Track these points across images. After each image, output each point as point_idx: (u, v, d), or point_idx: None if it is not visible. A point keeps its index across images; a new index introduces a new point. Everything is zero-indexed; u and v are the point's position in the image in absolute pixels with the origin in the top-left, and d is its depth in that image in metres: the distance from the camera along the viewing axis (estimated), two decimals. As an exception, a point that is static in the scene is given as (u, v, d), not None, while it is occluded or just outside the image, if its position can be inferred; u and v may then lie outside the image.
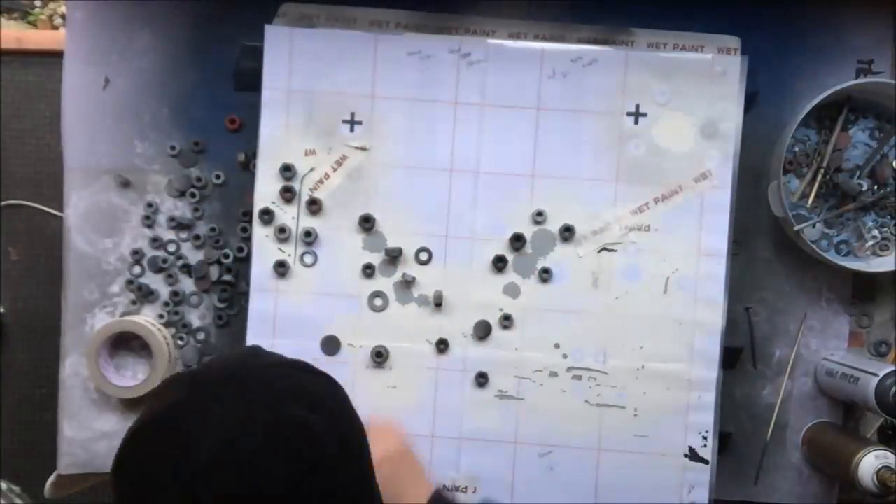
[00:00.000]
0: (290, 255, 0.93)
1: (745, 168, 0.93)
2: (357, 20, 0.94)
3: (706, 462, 0.92)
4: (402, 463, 0.83)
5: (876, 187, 0.93)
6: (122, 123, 0.96)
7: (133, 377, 0.96)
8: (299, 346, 0.93)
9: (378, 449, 0.77)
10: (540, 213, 0.93)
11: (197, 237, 0.97)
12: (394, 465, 0.81)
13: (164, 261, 0.97)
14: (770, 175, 0.93)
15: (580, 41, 0.94)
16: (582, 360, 0.93)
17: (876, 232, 0.95)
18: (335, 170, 0.93)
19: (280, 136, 0.93)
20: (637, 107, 0.92)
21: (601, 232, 0.93)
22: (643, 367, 0.93)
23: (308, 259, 0.94)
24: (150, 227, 0.96)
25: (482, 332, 0.93)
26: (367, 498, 0.58)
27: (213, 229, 0.96)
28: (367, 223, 0.93)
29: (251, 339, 0.93)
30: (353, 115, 0.93)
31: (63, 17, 1.61)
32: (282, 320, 0.93)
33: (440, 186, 0.93)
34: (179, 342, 0.97)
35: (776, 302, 0.97)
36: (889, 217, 0.95)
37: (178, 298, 0.97)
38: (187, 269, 0.97)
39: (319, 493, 0.52)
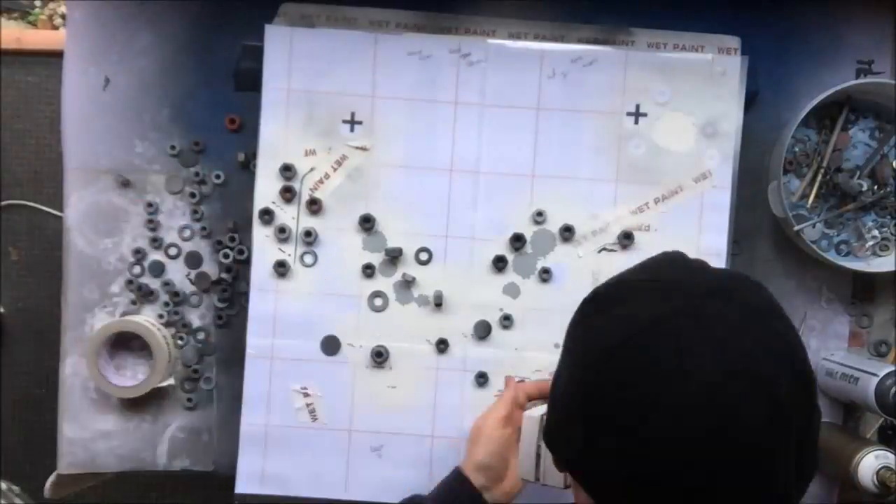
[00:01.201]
0: (290, 255, 0.93)
1: (745, 168, 0.93)
2: (357, 20, 0.94)
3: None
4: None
5: (876, 187, 0.93)
6: (122, 123, 0.96)
7: (133, 377, 0.96)
8: (299, 346, 0.93)
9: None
10: (540, 213, 0.93)
11: (197, 237, 0.97)
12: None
13: (164, 263, 0.97)
14: (770, 175, 0.93)
15: (580, 41, 0.94)
16: (582, 360, 0.93)
17: (876, 232, 0.95)
18: (335, 170, 0.93)
19: (280, 136, 0.93)
20: (637, 107, 0.92)
21: (601, 232, 0.93)
22: (643, 367, 0.93)
23: (308, 259, 0.94)
24: (150, 227, 0.96)
25: (482, 332, 0.93)
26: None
27: (212, 229, 0.97)
28: (367, 223, 0.93)
29: (251, 339, 0.93)
30: (353, 114, 0.93)
31: (63, 17, 1.61)
32: (282, 320, 0.93)
33: (440, 186, 0.93)
34: (179, 342, 0.97)
35: (776, 302, 0.97)
36: (889, 217, 0.95)
37: (178, 298, 0.97)
38: (187, 268, 0.97)
39: (789, 419, 0.51)
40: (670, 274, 0.57)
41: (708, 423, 0.48)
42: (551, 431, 0.59)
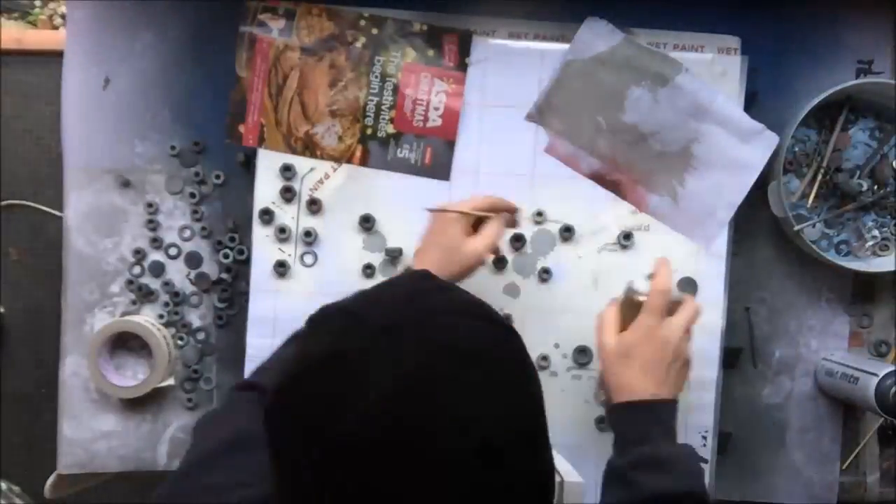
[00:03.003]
0: (290, 255, 0.93)
1: (745, 168, 0.93)
2: (357, 20, 0.94)
3: (706, 462, 0.92)
4: (681, 362, 0.77)
5: (876, 187, 0.93)
6: (122, 123, 0.96)
7: (133, 377, 0.96)
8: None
9: (678, 332, 0.76)
10: (540, 214, 0.93)
11: (197, 237, 0.97)
12: (676, 355, 0.76)
13: (164, 263, 0.97)
14: (770, 175, 0.93)
15: (580, 41, 0.94)
16: (582, 360, 0.93)
17: (876, 232, 0.95)
18: (335, 170, 0.93)
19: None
20: (637, 107, 0.92)
21: (601, 232, 0.93)
22: (643, 367, 0.93)
23: (308, 259, 0.94)
24: (150, 227, 0.96)
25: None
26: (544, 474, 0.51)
27: (212, 229, 0.97)
28: (367, 223, 0.93)
29: (251, 340, 0.93)
30: (353, 115, 0.93)
31: (63, 17, 1.61)
32: (282, 320, 0.93)
33: (440, 186, 0.93)
34: (179, 342, 0.97)
35: (776, 302, 0.97)
36: (889, 217, 0.95)
37: (178, 298, 0.97)
38: (187, 268, 0.97)
39: (497, 475, 0.45)
40: (363, 304, 0.52)
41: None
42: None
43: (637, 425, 0.74)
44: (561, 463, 0.75)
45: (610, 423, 0.78)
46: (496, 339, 0.52)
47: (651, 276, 0.80)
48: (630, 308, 0.79)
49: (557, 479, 0.72)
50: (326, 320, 0.51)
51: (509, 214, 0.83)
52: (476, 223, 0.80)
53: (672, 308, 0.78)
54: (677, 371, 0.77)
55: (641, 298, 0.79)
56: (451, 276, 0.77)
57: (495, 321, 0.53)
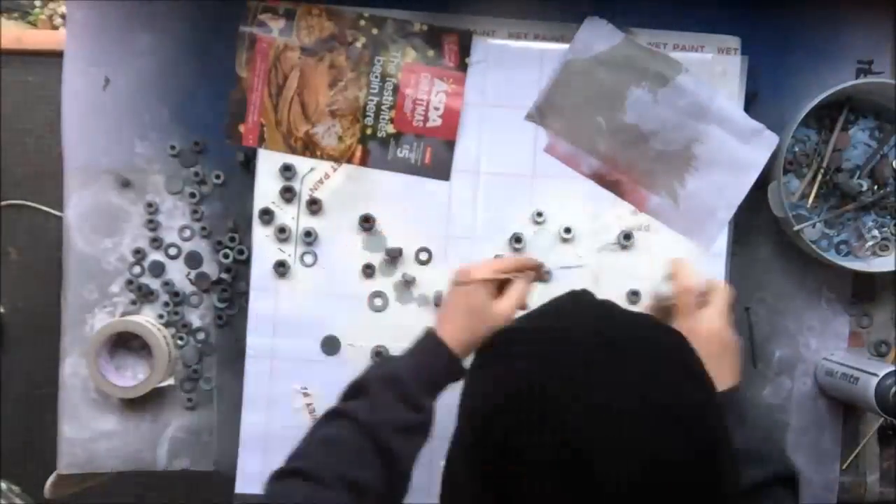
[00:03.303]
0: (290, 255, 0.93)
1: (745, 168, 0.93)
2: (357, 20, 0.94)
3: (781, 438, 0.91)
4: (729, 348, 0.75)
5: (876, 187, 0.93)
6: (122, 123, 0.96)
7: (133, 377, 0.96)
8: (299, 346, 0.93)
9: (717, 321, 0.75)
10: (540, 214, 0.93)
11: (197, 237, 0.97)
12: (722, 345, 0.75)
13: (164, 263, 0.97)
14: (770, 175, 0.93)
15: (580, 41, 0.94)
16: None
17: (876, 232, 0.95)
18: (335, 170, 0.93)
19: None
20: (637, 107, 0.92)
21: (601, 232, 0.93)
22: (643, 367, 0.92)
23: (308, 259, 0.94)
24: (150, 227, 0.96)
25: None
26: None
27: (212, 229, 0.97)
28: (367, 223, 0.93)
29: (251, 340, 0.93)
30: (353, 115, 0.93)
31: (63, 17, 1.61)
32: (282, 320, 0.93)
33: (440, 186, 0.93)
34: (179, 342, 0.97)
35: (776, 302, 0.97)
36: (889, 217, 0.95)
37: (178, 298, 0.97)
38: (187, 268, 0.97)
39: (718, 476, 0.47)
40: (562, 322, 0.54)
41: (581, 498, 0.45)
42: (446, 482, 0.57)
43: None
44: None
45: None
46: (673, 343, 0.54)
47: (670, 277, 0.79)
48: (664, 316, 0.79)
49: None
50: (518, 342, 0.53)
51: (533, 272, 0.82)
52: (501, 283, 0.79)
53: (702, 299, 0.77)
54: (731, 358, 0.76)
55: (671, 302, 0.78)
56: (477, 338, 0.75)
57: (662, 326, 0.56)
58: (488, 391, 0.51)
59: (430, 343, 0.75)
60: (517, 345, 0.53)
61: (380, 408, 0.69)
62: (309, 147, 0.93)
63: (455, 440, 0.55)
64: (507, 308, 0.77)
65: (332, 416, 0.70)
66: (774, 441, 0.72)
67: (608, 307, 0.58)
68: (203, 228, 0.97)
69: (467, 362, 0.63)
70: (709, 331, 0.75)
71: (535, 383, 0.48)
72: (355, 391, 0.71)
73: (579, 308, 0.58)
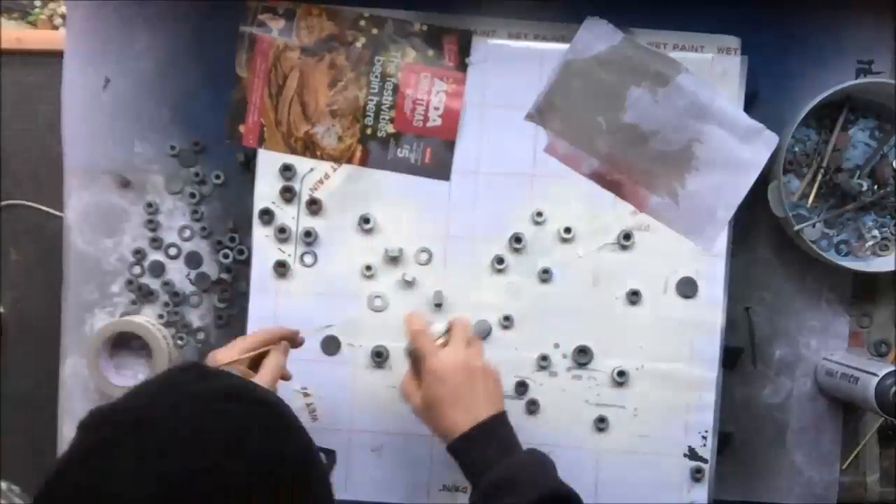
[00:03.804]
0: (290, 255, 0.93)
1: (745, 168, 0.93)
2: (357, 20, 0.94)
3: (706, 462, 0.92)
4: (481, 375, 0.77)
5: (876, 187, 0.93)
6: (122, 123, 0.96)
7: (133, 377, 0.96)
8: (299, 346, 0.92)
9: (460, 352, 0.76)
10: (540, 214, 0.93)
11: (197, 237, 0.97)
12: (473, 373, 0.76)
13: (164, 263, 0.97)
14: (770, 175, 0.93)
15: (580, 41, 0.94)
16: (582, 360, 0.93)
17: (876, 232, 0.95)
18: (335, 170, 0.93)
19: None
20: (637, 107, 0.92)
21: (601, 232, 0.93)
22: (643, 366, 0.93)
23: (308, 259, 0.94)
24: (150, 227, 0.96)
25: (482, 332, 0.93)
26: None
27: (212, 229, 0.97)
28: (367, 223, 0.93)
29: (251, 339, 0.93)
30: (353, 115, 0.93)
31: (63, 17, 1.61)
32: (282, 320, 0.93)
33: (440, 186, 0.93)
34: (179, 342, 0.97)
35: (776, 302, 0.97)
36: (889, 217, 0.95)
37: (178, 298, 0.97)
38: (187, 268, 0.97)
39: None
40: (123, 399, 0.53)
41: None
42: None
43: (474, 454, 0.73)
44: None
45: (457, 463, 0.75)
46: (248, 423, 0.52)
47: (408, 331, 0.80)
48: (417, 361, 0.79)
49: None
50: (90, 419, 0.52)
51: (287, 342, 0.81)
52: (258, 359, 0.78)
53: (445, 339, 0.79)
54: (486, 387, 0.76)
55: (418, 352, 0.79)
56: None
57: (254, 401, 0.54)
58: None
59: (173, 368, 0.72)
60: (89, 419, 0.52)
61: None
62: (309, 147, 0.93)
63: None
64: (265, 384, 0.74)
65: None
66: (543, 465, 0.73)
67: (183, 382, 0.55)
68: (203, 228, 0.97)
69: None
70: (453, 364, 0.75)
71: (73, 460, 0.48)
72: None
73: (154, 384, 0.56)
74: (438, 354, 0.77)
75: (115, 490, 0.46)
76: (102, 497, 0.46)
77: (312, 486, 0.54)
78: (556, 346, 0.93)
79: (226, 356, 0.75)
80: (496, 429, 0.74)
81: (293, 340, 0.83)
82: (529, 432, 0.92)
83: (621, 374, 0.92)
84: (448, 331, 0.81)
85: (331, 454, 0.90)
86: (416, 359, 0.80)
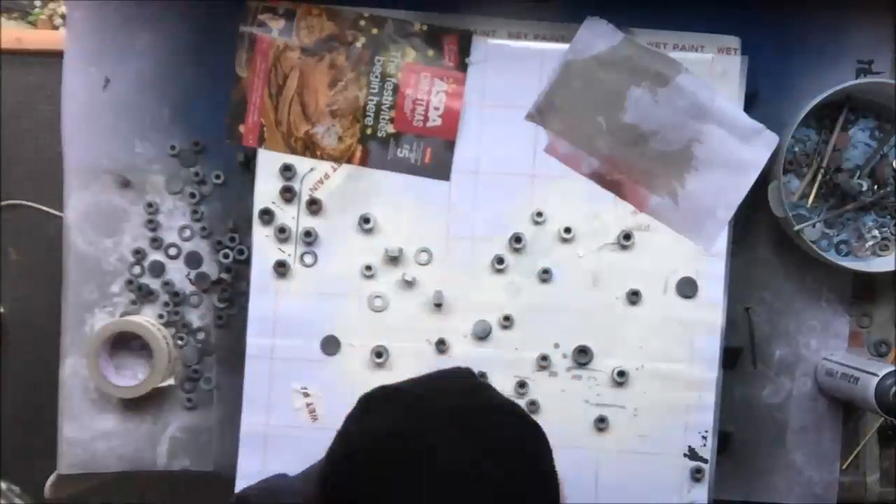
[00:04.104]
0: (290, 255, 0.93)
1: (745, 168, 0.93)
2: (357, 20, 0.94)
3: (706, 462, 0.92)
4: None
5: (876, 187, 0.93)
6: (122, 123, 0.96)
7: (133, 377, 0.96)
8: (299, 346, 0.93)
9: None
10: (540, 214, 0.93)
11: (197, 237, 0.97)
12: None
13: (164, 263, 0.97)
14: (770, 175, 0.93)
15: (580, 41, 0.94)
16: (582, 360, 0.93)
17: (876, 232, 0.95)
18: (335, 170, 0.93)
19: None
20: (637, 107, 0.92)
21: (601, 232, 0.93)
22: (643, 366, 0.93)
23: (308, 259, 0.94)
24: (150, 227, 0.96)
25: (482, 332, 0.93)
26: None
27: (212, 229, 0.97)
28: (367, 223, 0.93)
29: (251, 340, 0.93)
30: (353, 115, 0.93)
31: (63, 17, 1.61)
32: (282, 320, 0.93)
33: (440, 186, 0.93)
34: (179, 342, 0.97)
35: (776, 302, 0.97)
36: (889, 217, 0.95)
37: (178, 298, 0.97)
38: (187, 268, 0.97)
39: None
40: (425, 392, 0.57)
41: None
42: None
43: None
44: None
45: None
46: (528, 435, 0.57)
47: None
48: None
49: None
50: (386, 399, 0.57)
51: None
52: None
53: None
54: None
55: None
56: None
57: (525, 417, 0.58)
58: (349, 438, 0.55)
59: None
60: (380, 402, 0.57)
61: None
62: (309, 147, 0.93)
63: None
64: None
65: None
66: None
67: (480, 387, 0.60)
68: (203, 228, 0.97)
69: None
70: None
71: (377, 441, 0.52)
72: None
73: (449, 382, 0.60)
74: None
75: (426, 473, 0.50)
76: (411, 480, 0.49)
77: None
78: (556, 346, 0.93)
79: None
80: None
81: None
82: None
83: (621, 374, 0.92)
84: None
85: None
86: None
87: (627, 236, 0.92)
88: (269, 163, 0.93)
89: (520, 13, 0.93)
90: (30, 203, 1.60)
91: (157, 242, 0.97)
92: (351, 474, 0.52)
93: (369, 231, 0.93)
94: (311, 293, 0.93)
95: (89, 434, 0.97)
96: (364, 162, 0.93)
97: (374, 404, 0.57)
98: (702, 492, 0.92)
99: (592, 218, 0.93)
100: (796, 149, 0.95)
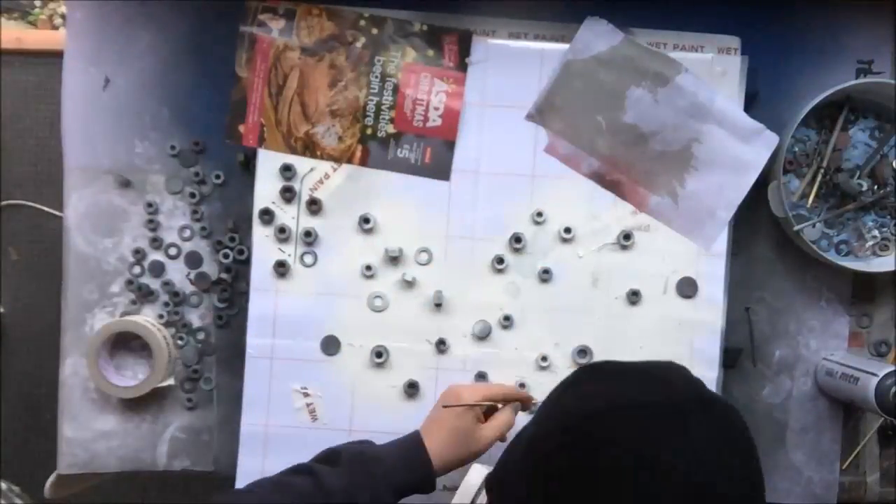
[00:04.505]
0: (290, 255, 0.93)
1: (745, 168, 0.93)
2: (357, 20, 0.94)
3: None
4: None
5: (876, 187, 0.93)
6: (122, 123, 0.96)
7: (133, 377, 0.96)
8: (299, 346, 0.93)
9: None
10: (540, 214, 0.93)
11: (197, 237, 0.97)
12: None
13: (164, 263, 0.97)
14: (770, 175, 0.93)
15: (580, 41, 0.94)
16: (582, 360, 0.93)
17: (876, 232, 0.95)
18: (335, 170, 0.93)
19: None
20: (637, 107, 0.92)
21: (601, 232, 0.93)
22: (643, 367, 0.93)
23: (308, 259, 0.94)
24: (150, 227, 0.96)
25: (482, 332, 0.93)
26: None
27: (212, 229, 0.97)
28: (367, 223, 0.93)
29: (251, 340, 0.93)
30: (353, 115, 0.93)
31: (63, 17, 1.61)
32: (282, 320, 0.93)
33: (440, 186, 0.93)
34: (179, 342, 0.97)
35: (776, 302, 0.97)
36: (889, 217, 0.95)
37: (178, 298, 0.97)
38: (187, 268, 0.97)
39: None
40: (664, 374, 0.59)
41: None
42: (498, 473, 0.61)
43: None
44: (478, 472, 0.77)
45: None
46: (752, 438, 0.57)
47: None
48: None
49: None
50: (618, 373, 0.59)
51: (520, 402, 0.86)
52: (488, 409, 0.83)
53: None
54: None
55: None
56: (458, 459, 0.79)
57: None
58: (593, 398, 0.55)
59: (415, 450, 0.77)
60: (619, 373, 0.59)
61: (348, 482, 0.71)
62: (309, 147, 0.93)
63: (525, 443, 0.57)
64: (490, 435, 0.80)
65: (300, 470, 0.73)
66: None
67: (698, 380, 0.60)
68: (203, 228, 0.97)
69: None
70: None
71: (635, 407, 0.52)
72: (330, 458, 0.74)
73: (671, 368, 0.61)
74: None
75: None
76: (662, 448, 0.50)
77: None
78: (556, 345, 0.93)
79: (469, 396, 0.81)
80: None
81: (526, 404, 0.87)
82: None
83: (621, 374, 0.92)
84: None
85: None
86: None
87: (627, 236, 0.92)
88: (269, 163, 0.93)
89: (520, 13, 0.93)
90: (30, 203, 1.61)
91: (157, 242, 0.97)
92: (591, 438, 0.51)
93: (369, 231, 0.93)
94: (311, 293, 0.93)
95: (89, 434, 0.97)
96: (364, 162, 0.93)
97: (600, 374, 0.59)
98: (702, 492, 0.92)
99: (592, 218, 0.93)
100: (796, 149, 0.95)
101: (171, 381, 0.96)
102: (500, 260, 0.93)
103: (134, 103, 0.96)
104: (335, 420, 0.93)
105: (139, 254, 0.97)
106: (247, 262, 0.95)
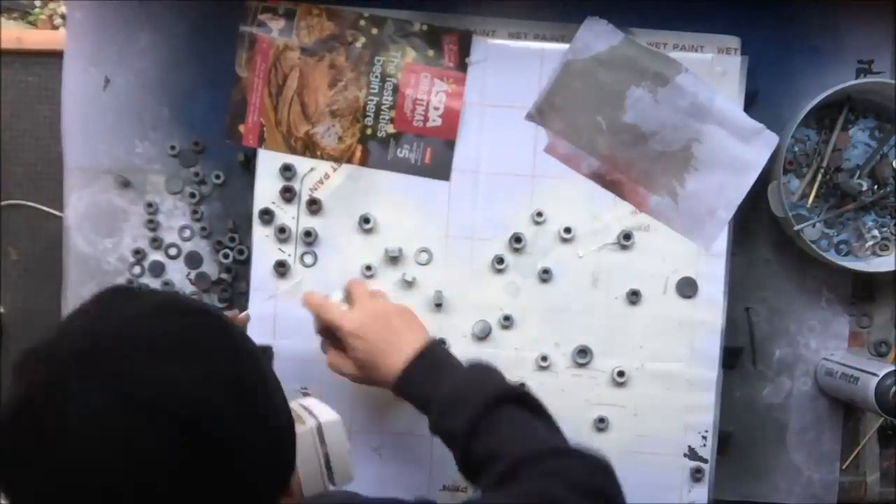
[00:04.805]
0: (290, 255, 0.93)
1: (745, 168, 0.93)
2: (357, 20, 0.94)
3: (706, 461, 0.92)
4: (395, 315, 0.81)
5: (876, 187, 0.93)
6: (122, 123, 0.96)
7: (133, 377, 0.96)
8: (299, 346, 0.92)
9: (367, 305, 0.80)
10: (540, 214, 0.93)
11: (197, 237, 0.97)
12: (387, 317, 0.80)
13: (164, 263, 0.97)
14: (770, 175, 0.93)
15: (580, 41, 0.94)
16: (582, 360, 0.93)
17: (876, 232, 0.95)
18: (335, 170, 0.93)
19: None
20: (637, 107, 0.92)
21: (601, 232, 0.93)
22: (643, 366, 0.93)
23: (308, 259, 0.94)
24: (150, 227, 0.96)
25: (482, 332, 0.93)
26: (276, 429, 0.55)
27: (212, 229, 0.97)
28: (366, 223, 0.93)
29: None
30: (353, 115, 0.93)
31: (63, 17, 1.61)
32: (282, 320, 0.93)
33: (440, 186, 0.93)
34: (179, 342, 0.97)
35: (776, 302, 0.97)
36: (889, 217, 0.95)
37: (178, 298, 0.97)
38: (187, 268, 0.97)
39: (212, 448, 0.48)
40: (55, 337, 0.52)
41: None
42: None
43: (417, 388, 0.76)
44: (315, 406, 0.76)
45: (409, 400, 0.78)
46: (196, 331, 0.53)
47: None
48: (332, 335, 0.83)
49: (314, 422, 0.73)
50: (24, 363, 0.50)
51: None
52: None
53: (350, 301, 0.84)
54: (406, 324, 0.80)
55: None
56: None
57: (192, 311, 0.55)
58: None
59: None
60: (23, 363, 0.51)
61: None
62: (309, 147, 0.93)
63: None
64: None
65: None
66: (487, 372, 0.77)
67: (128, 295, 0.55)
68: (203, 228, 0.97)
69: None
70: (365, 317, 0.79)
71: (17, 405, 0.48)
72: None
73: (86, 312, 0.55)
74: (348, 316, 0.80)
75: (72, 427, 0.46)
76: (58, 437, 0.46)
77: (267, 373, 0.57)
78: (557, 345, 0.93)
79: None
80: (428, 357, 0.77)
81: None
82: (529, 432, 0.92)
83: (621, 374, 0.92)
84: (347, 293, 0.84)
85: (268, 349, 0.92)
86: (329, 333, 0.83)
87: (627, 236, 0.92)
88: (269, 163, 0.93)
89: (520, 13, 0.93)
90: (30, 203, 1.60)
91: (157, 242, 0.97)
92: None
93: (369, 231, 0.93)
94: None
95: (89, 434, 0.97)
96: (364, 162, 0.93)
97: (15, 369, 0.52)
98: (702, 492, 0.92)
99: (592, 218, 0.93)
100: (796, 149, 0.95)
101: (171, 381, 0.96)
102: (500, 260, 0.93)
103: (134, 103, 0.96)
104: (335, 420, 0.93)
105: (139, 254, 0.97)
106: (247, 262, 0.95)
